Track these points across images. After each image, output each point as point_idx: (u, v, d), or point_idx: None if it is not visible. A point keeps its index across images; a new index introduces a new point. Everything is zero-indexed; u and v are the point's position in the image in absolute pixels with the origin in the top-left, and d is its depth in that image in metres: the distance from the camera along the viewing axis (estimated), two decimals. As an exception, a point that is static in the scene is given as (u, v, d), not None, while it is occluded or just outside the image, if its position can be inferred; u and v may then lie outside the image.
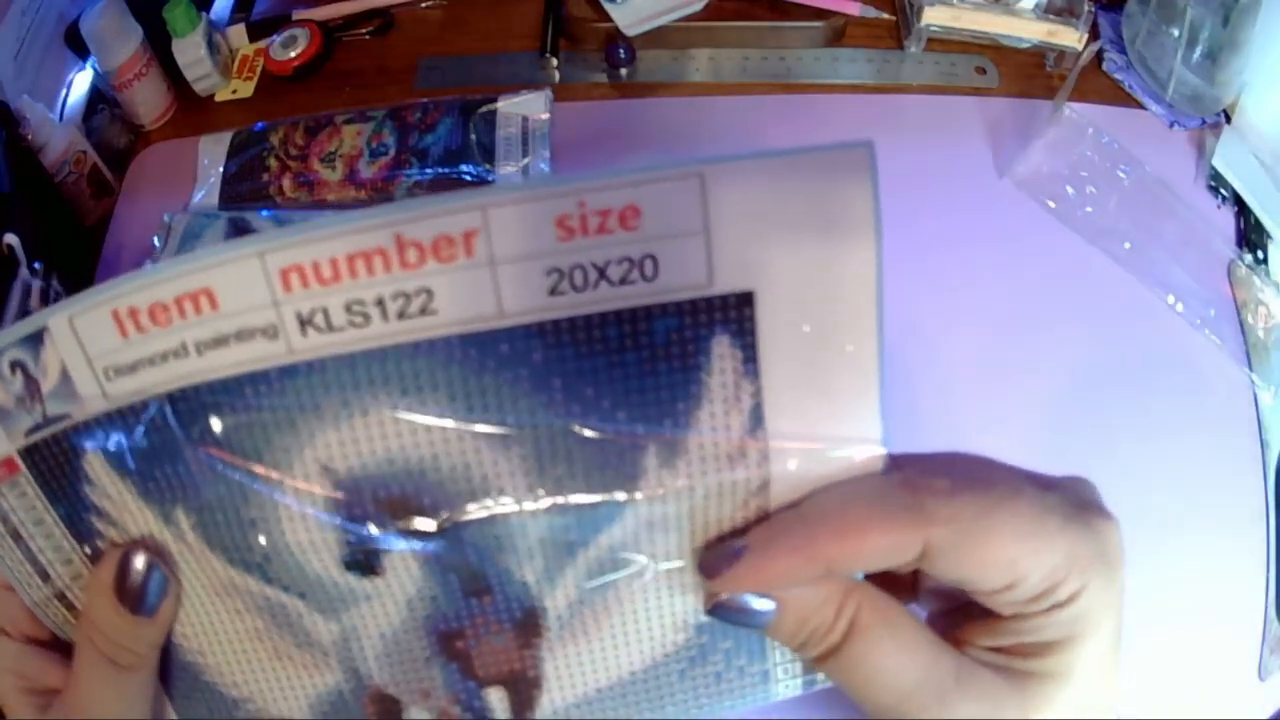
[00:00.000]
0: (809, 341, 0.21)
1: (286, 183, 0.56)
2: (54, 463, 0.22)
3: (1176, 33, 0.57)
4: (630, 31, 0.58)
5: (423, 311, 0.19)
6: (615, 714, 0.25)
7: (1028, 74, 0.61)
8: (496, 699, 0.24)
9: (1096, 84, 0.60)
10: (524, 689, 0.24)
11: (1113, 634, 0.23)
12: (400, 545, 0.22)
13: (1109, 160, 0.56)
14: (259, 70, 0.63)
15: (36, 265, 0.50)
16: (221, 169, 0.57)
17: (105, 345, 0.20)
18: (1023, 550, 0.21)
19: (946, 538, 0.21)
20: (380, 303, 0.19)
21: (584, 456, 0.21)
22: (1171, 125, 0.59)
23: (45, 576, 0.23)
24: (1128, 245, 0.53)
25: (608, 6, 0.59)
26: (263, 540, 0.22)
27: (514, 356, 0.20)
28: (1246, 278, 0.53)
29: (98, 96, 0.60)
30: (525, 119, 0.57)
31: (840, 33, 0.62)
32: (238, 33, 0.64)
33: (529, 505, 0.21)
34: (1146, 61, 0.60)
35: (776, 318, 0.20)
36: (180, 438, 0.21)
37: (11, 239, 0.48)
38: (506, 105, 0.57)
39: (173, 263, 0.19)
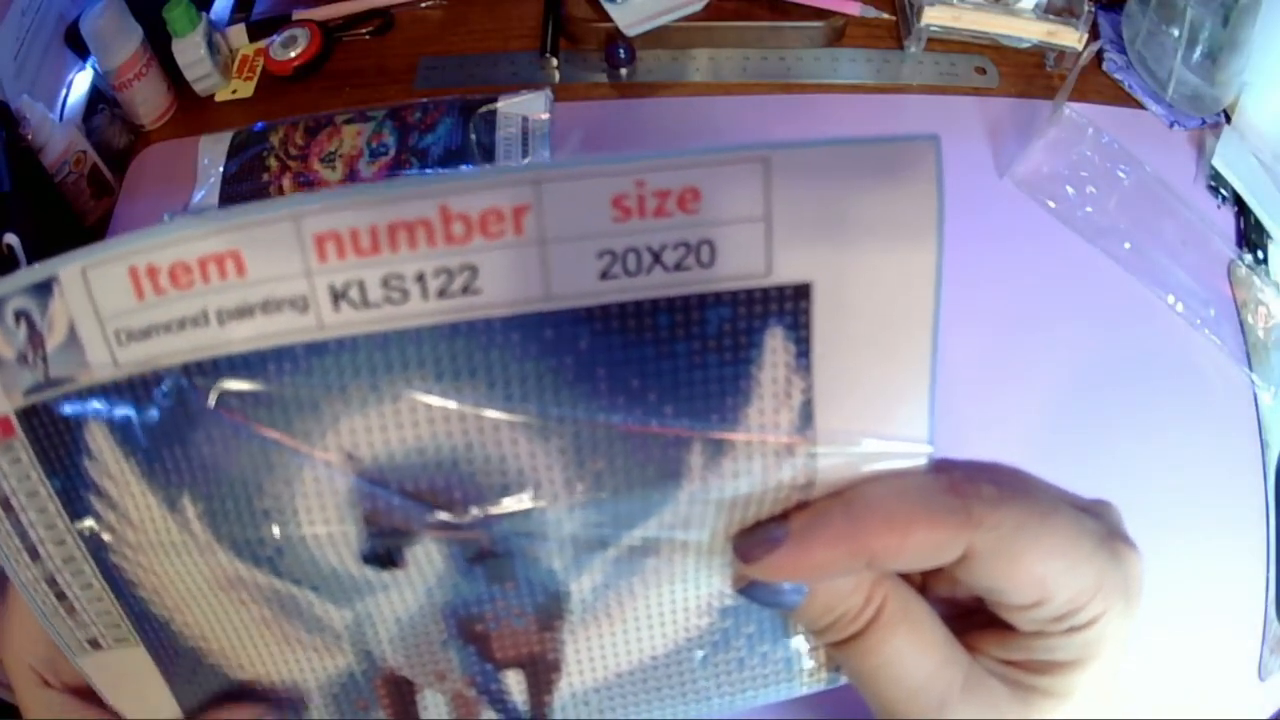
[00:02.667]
0: (863, 337, 0.20)
1: (286, 183, 0.56)
2: (54, 429, 0.20)
3: (1176, 33, 0.57)
4: (630, 31, 0.58)
5: (465, 290, 0.18)
6: (636, 700, 0.24)
7: (1028, 74, 0.61)
8: (514, 681, 0.23)
9: (1096, 84, 0.60)
10: (543, 672, 0.23)
11: (1119, 662, 0.23)
12: (426, 539, 0.21)
13: (1109, 160, 0.56)
14: (259, 70, 0.63)
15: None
16: (221, 169, 0.57)
17: (119, 305, 0.18)
18: (1055, 568, 0.22)
19: (989, 544, 0.21)
20: (420, 278, 0.18)
21: (626, 451, 0.20)
22: (1171, 125, 0.59)
23: (35, 555, 0.22)
24: (1128, 245, 0.53)
25: (608, 6, 0.59)
26: (276, 532, 0.20)
27: (559, 342, 0.19)
28: (1246, 278, 0.53)
29: (98, 96, 0.60)
30: (525, 119, 0.56)
31: (840, 33, 0.62)
32: (238, 33, 0.64)
33: (565, 500, 0.20)
34: (1146, 61, 0.60)
35: (832, 312, 0.20)
36: (194, 416, 0.19)
37: (11, 239, 0.48)
38: (506, 105, 0.57)
39: (199, 219, 0.17)
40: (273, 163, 0.56)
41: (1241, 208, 0.56)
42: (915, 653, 0.23)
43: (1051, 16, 0.59)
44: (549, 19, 0.62)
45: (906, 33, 0.61)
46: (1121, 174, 0.56)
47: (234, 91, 0.62)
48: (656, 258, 0.18)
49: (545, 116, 0.57)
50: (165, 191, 0.57)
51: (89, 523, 0.21)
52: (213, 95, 0.62)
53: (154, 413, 0.20)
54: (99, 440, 0.20)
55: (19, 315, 0.19)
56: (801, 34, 0.61)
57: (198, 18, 0.59)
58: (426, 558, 0.21)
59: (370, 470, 0.20)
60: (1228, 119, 0.58)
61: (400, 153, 0.55)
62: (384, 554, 0.21)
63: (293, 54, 0.61)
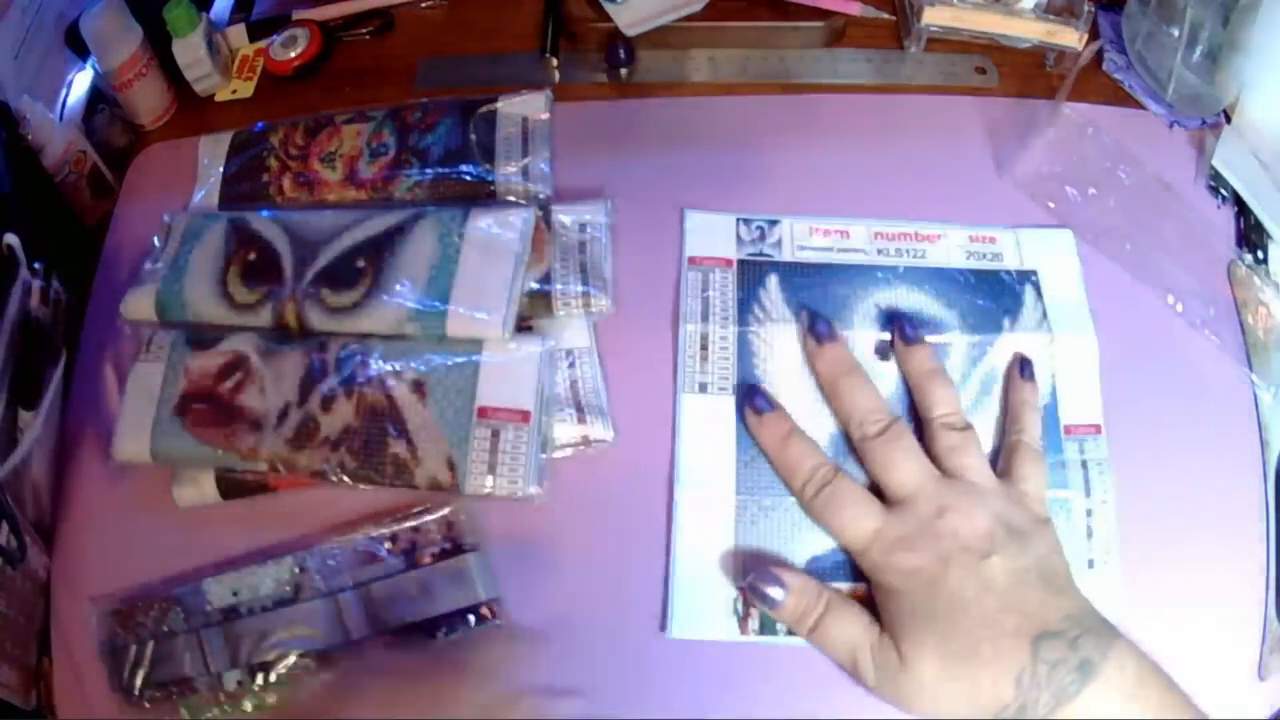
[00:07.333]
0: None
1: (286, 183, 0.56)
2: (752, 272, 0.51)
3: (1176, 33, 0.57)
4: (630, 31, 0.58)
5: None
6: None
7: (1028, 74, 0.61)
8: None
9: (1096, 84, 0.60)
10: None
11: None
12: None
13: (1109, 160, 0.56)
14: (259, 70, 0.63)
15: (36, 265, 0.50)
16: (221, 169, 0.57)
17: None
18: None
19: None
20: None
21: None
22: (1171, 125, 0.59)
23: (726, 320, 0.50)
24: (1128, 245, 0.53)
25: (608, 6, 0.59)
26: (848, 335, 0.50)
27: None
28: (1246, 278, 0.53)
29: (98, 96, 0.60)
30: (525, 119, 0.57)
31: (840, 33, 0.62)
32: (238, 33, 0.64)
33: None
34: (1146, 61, 0.60)
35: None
36: (800, 284, 0.50)
37: (11, 239, 0.48)
38: (506, 105, 0.57)
39: None
40: (273, 163, 0.56)
41: (1241, 208, 0.56)
42: (851, 624, 0.42)
43: (1051, 16, 0.59)
44: (549, 19, 0.62)
45: (906, 33, 0.61)
46: (1121, 174, 0.56)
47: (234, 91, 0.62)
48: None
49: (545, 116, 0.57)
50: (165, 191, 0.57)
51: (746, 325, 0.49)
52: (213, 95, 0.62)
53: (792, 280, 0.50)
54: (773, 284, 0.50)
55: (757, 227, 0.52)
56: (801, 34, 0.61)
57: (198, 18, 0.59)
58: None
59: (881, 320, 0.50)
60: (1228, 119, 0.58)
61: (400, 152, 0.55)
62: (885, 350, 0.48)
63: (293, 54, 0.61)
